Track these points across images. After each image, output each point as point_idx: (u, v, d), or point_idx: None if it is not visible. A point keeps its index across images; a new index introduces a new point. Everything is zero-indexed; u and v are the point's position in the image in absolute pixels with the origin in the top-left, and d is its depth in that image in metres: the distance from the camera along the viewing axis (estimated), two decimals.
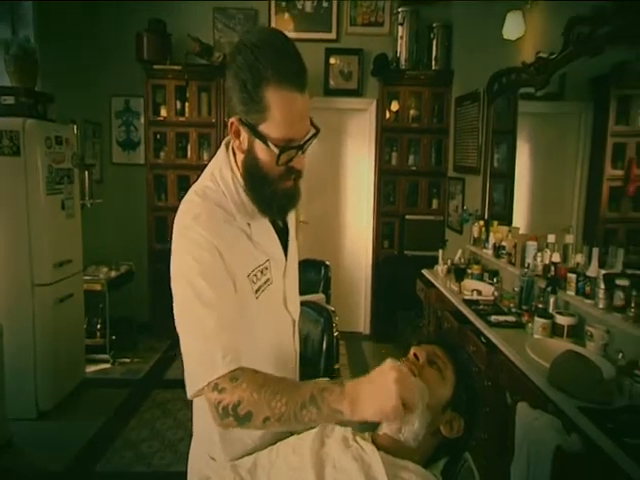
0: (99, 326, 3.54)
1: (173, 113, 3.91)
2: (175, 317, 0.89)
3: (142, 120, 4.05)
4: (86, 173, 3.49)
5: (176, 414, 2.82)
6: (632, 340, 1.62)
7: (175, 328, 0.89)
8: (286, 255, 1.02)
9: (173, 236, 0.91)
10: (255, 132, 0.85)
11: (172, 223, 0.93)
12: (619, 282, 1.69)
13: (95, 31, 3.93)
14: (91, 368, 3.37)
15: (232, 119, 0.87)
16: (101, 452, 2.47)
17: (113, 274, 3.64)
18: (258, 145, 0.86)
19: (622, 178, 2.12)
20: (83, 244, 3.18)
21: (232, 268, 0.89)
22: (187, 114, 3.91)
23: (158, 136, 3.97)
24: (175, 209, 0.94)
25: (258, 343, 0.97)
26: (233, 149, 0.94)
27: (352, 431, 0.94)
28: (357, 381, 0.80)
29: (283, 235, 1.02)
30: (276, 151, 0.84)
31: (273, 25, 4.03)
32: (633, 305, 1.63)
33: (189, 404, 1.08)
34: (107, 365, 3.47)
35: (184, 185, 3.90)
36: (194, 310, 0.85)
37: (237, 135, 0.89)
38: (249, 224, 0.93)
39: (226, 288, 0.87)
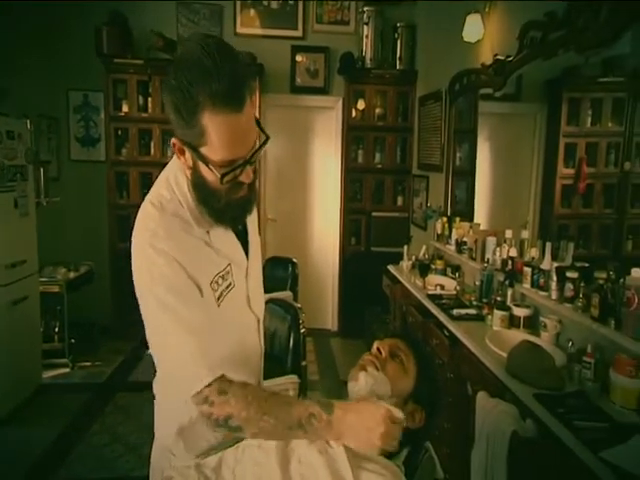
0: (57, 329, 3.40)
1: (135, 109, 3.79)
2: (148, 335, 0.89)
3: (102, 115, 3.90)
4: (41, 170, 3.33)
5: (140, 417, 2.75)
6: (580, 329, 1.72)
7: (138, 330, 0.89)
8: (247, 255, 1.02)
9: (132, 254, 0.89)
10: (197, 154, 0.82)
11: (135, 222, 0.91)
12: (569, 274, 1.78)
13: (51, 23, 3.74)
14: (49, 373, 3.23)
15: (174, 139, 0.85)
16: (60, 460, 2.38)
17: (72, 275, 3.50)
18: (202, 165, 0.84)
19: (573, 176, 2.24)
20: (39, 244, 3.05)
21: (194, 278, 0.88)
22: (150, 110, 3.80)
23: (119, 132, 3.84)
24: (138, 207, 0.92)
25: (220, 344, 0.96)
26: None
27: None
28: (346, 410, 0.84)
29: (243, 236, 1.01)
30: (218, 174, 0.82)
31: (238, 21, 3.98)
32: (581, 296, 1.73)
33: (154, 407, 1.06)
34: (66, 369, 3.34)
35: (147, 182, 3.80)
36: (168, 326, 0.85)
37: (181, 153, 0.86)
38: (208, 232, 0.92)
39: (194, 299, 0.87)
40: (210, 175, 0.84)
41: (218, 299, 0.93)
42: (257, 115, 0.88)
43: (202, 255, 0.91)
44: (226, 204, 0.88)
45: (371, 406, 0.84)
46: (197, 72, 0.75)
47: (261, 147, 0.85)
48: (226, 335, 0.96)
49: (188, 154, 0.85)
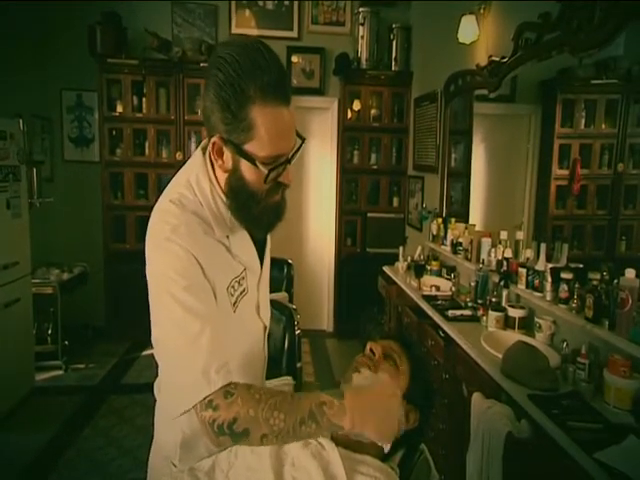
0: (50, 331, 3.36)
1: (129, 109, 3.77)
2: (158, 334, 0.86)
3: (96, 116, 3.88)
4: (34, 170, 3.30)
5: (134, 420, 2.73)
6: (575, 329, 1.72)
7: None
8: (262, 263, 1.01)
9: (148, 248, 0.86)
10: (241, 152, 0.81)
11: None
12: (564, 275, 1.78)
13: (44, 22, 3.72)
14: (42, 376, 3.20)
15: (214, 139, 0.82)
16: (54, 463, 2.35)
17: (65, 276, 3.46)
18: (244, 165, 0.82)
19: (567, 177, 2.25)
20: (32, 245, 3.02)
21: (212, 281, 0.86)
22: (145, 110, 3.78)
23: (114, 132, 3.82)
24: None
25: (229, 353, 0.94)
26: (212, 159, 0.89)
27: None
28: (358, 394, 0.81)
29: (260, 243, 1.00)
30: (265, 171, 0.81)
31: (234, 22, 3.98)
32: (576, 297, 1.73)
33: (149, 409, 1.05)
34: (59, 372, 3.31)
35: (142, 183, 3.77)
36: (184, 325, 0.81)
37: (220, 154, 0.84)
38: (228, 237, 0.91)
39: (212, 300, 0.86)
40: (252, 175, 0.83)
41: (234, 304, 0.92)
42: None
43: (221, 258, 0.89)
44: (263, 208, 0.87)
45: (383, 386, 0.86)
46: (247, 65, 0.76)
47: (300, 147, 0.85)
48: (235, 342, 0.95)
49: (228, 154, 0.83)
